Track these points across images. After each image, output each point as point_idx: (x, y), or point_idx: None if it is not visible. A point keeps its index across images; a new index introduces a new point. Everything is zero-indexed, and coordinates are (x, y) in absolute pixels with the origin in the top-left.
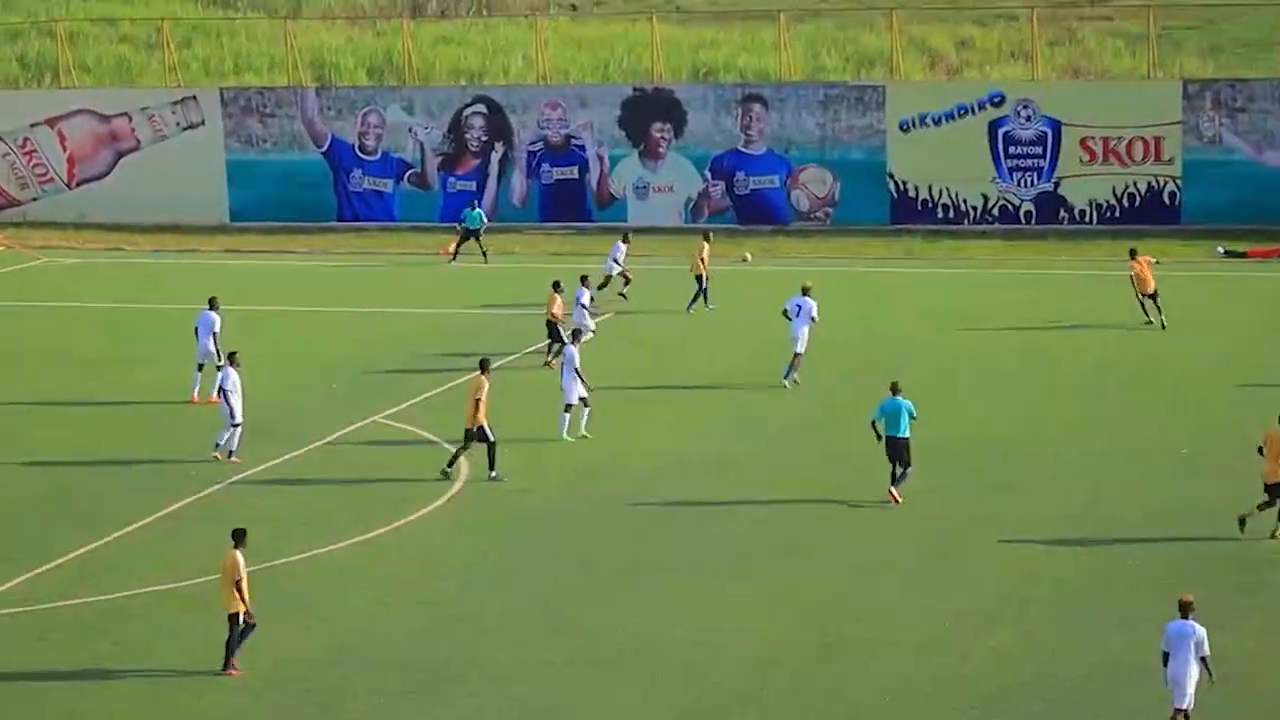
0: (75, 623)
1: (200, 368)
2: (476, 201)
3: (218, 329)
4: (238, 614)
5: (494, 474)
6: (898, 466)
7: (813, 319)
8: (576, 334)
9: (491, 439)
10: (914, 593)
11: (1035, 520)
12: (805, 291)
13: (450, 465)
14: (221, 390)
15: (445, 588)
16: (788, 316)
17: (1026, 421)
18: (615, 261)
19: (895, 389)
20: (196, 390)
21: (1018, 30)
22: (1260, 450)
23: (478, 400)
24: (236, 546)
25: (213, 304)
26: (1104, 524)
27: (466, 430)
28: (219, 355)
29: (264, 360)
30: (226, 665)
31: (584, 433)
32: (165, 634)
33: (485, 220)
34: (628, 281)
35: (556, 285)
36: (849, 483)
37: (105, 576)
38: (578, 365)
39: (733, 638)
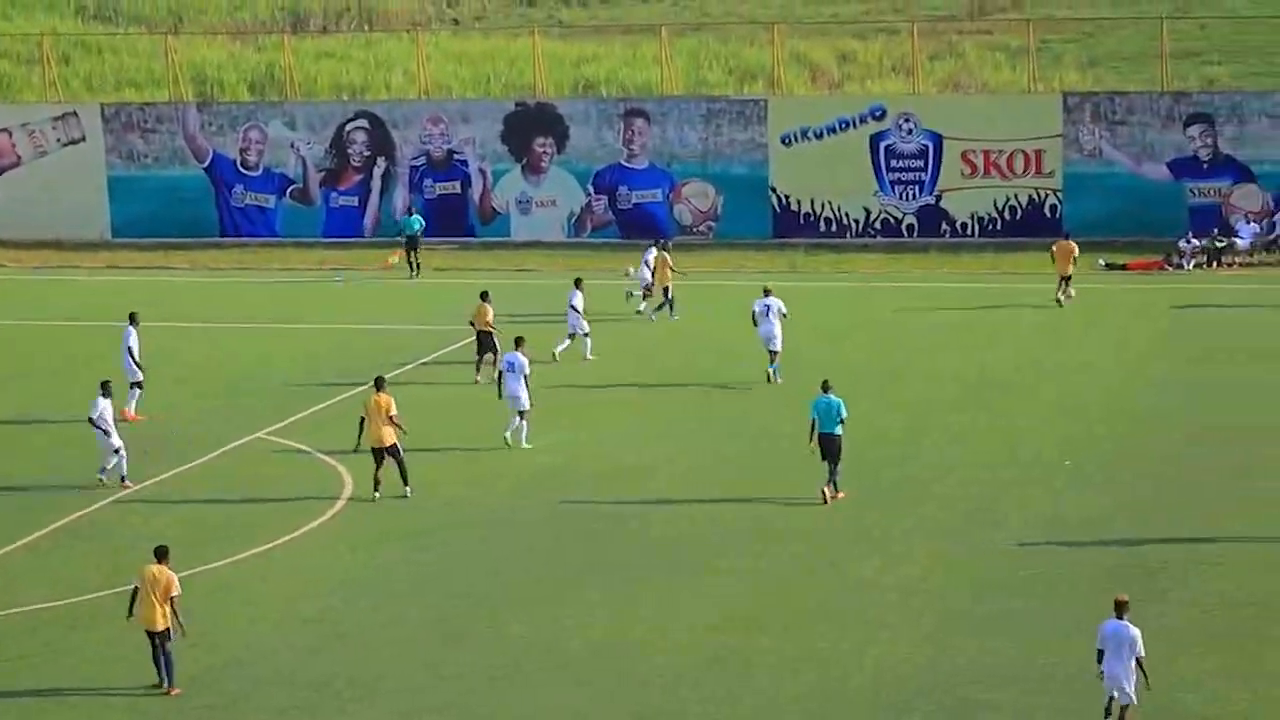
0: None
1: (137, 384)
2: (414, 208)
3: (132, 343)
4: (167, 630)
5: (409, 489)
6: (829, 464)
7: (783, 315)
8: (519, 341)
9: (402, 455)
10: (801, 602)
11: (924, 529)
12: (767, 293)
13: (376, 490)
14: (90, 420)
15: (332, 603)
16: (755, 321)
17: (915, 431)
18: (647, 266)
19: (826, 387)
20: (132, 407)
21: (899, 44)
22: None
23: (391, 417)
24: (162, 561)
25: (133, 319)
26: (994, 532)
27: (375, 450)
28: (134, 371)
29: (149, 376)
30: (170, 683)
31: (525, 444)
32: (47, 652)
33: (423, 224)
34: (647, 294)
35: (485, 295)
36: (756, 490)
37: None
38: (528, 373)
39: (622, 648)
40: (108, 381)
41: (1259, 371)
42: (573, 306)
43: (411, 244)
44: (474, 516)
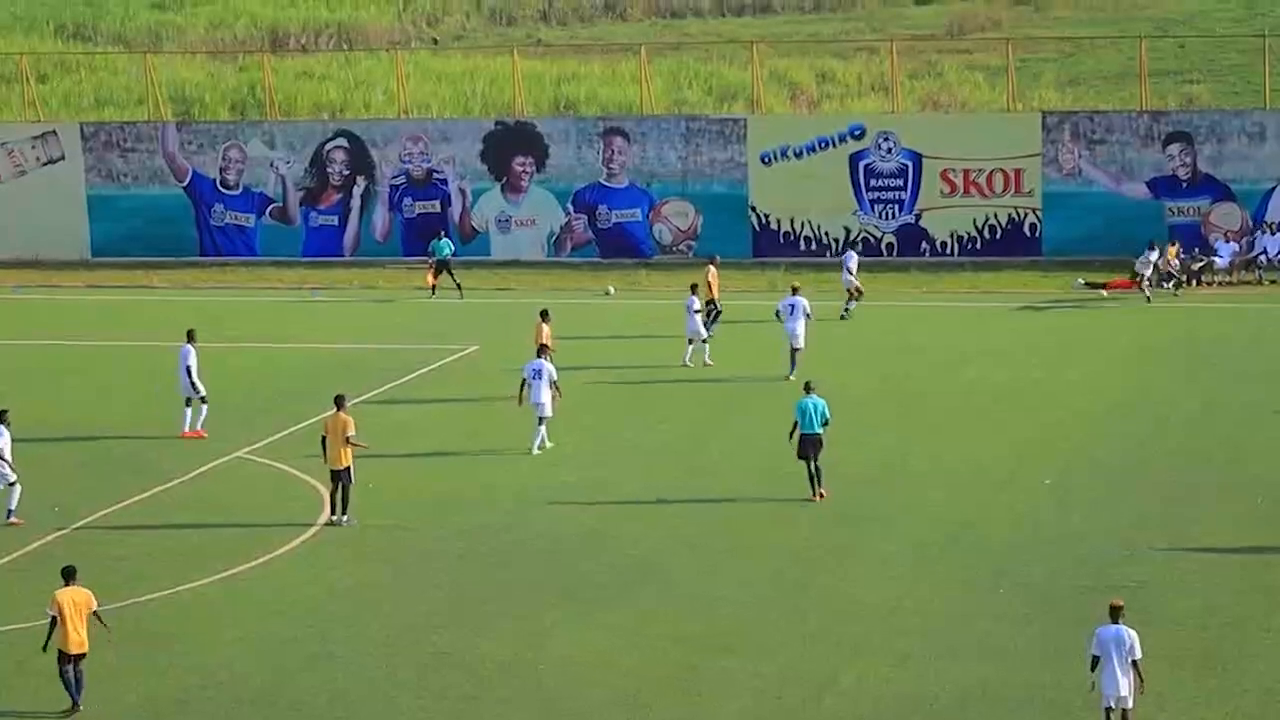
0: None
1: (188, 402)
2: (443, 231)
3: (191, 362)
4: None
5: (347, 518)
6: (811, 463)
7: (807, 315)
8: (544, 349)
9: (353, 480)
10: (778, 621)
11: (901, 548)
12: (795, 291)
13: (334, 514)
14: None
15: (311, 623)
16: (779, 318)
17: (892, 450)
18: (849, 273)
19: (809, 388)
20: (186, 425)
21: (878, 63)
22: None
23: (348, 438)
24: (72, 581)
25: (190, 337)
26: (975, 551)
27: (334, 471)
28: (193, 388)
29: (128, 395)
30: (78, 703)
31: (548, 444)
32: (19, 674)
33: (453, 249)
34: (859, 294)
35: (544, 314)
36: (736, 504)
37: None
38: (555, 379)
39: (593, 668)
40: (4, 411)
41: (1240, 390)
42: (693, 311)
43: (443, 266)
44: (454, 534)
